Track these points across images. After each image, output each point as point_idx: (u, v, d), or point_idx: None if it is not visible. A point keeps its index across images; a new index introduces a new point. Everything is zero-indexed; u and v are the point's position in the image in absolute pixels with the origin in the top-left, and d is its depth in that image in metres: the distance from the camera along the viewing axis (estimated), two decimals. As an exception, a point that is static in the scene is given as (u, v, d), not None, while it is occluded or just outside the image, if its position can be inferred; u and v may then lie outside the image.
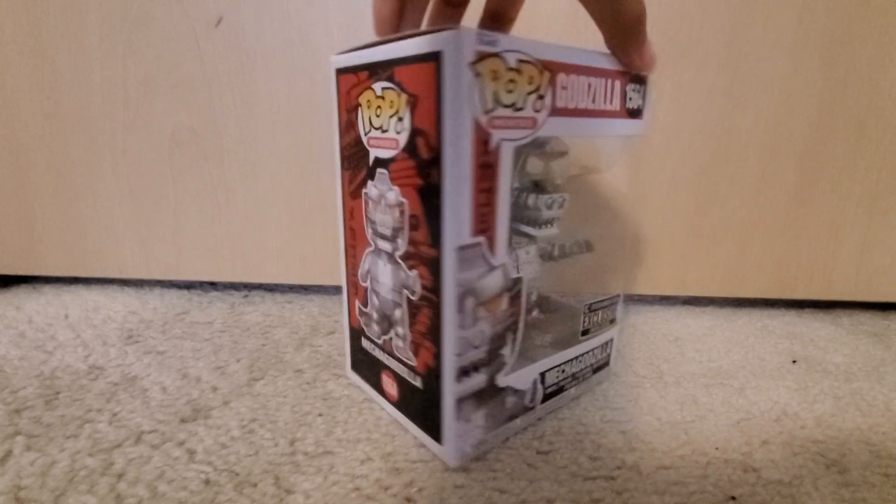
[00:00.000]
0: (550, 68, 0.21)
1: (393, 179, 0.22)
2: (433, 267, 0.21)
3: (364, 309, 0.27)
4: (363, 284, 0.27)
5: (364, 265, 0.26)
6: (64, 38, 0.40)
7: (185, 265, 0.45)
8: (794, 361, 0.36)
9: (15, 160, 0.43)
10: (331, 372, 0.33)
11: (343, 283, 0.29)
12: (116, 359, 0.34)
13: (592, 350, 0.29)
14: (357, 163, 0.25)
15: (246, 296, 0.46)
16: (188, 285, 0.48)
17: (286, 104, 0.40)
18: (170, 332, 0.38)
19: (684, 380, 0.32)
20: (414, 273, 0.22)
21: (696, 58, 0.37)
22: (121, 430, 0.26)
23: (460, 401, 0.22)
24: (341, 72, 0.25)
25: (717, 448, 0.26)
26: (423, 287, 0.22)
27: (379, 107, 0.22)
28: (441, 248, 0.20)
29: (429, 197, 0.21)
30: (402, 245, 0.23)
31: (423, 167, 0.21)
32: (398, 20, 0.24)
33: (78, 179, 0.43)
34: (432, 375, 0.23)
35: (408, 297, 0.23)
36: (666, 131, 0.39)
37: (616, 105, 0.24)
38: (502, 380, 0.24)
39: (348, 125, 0.25)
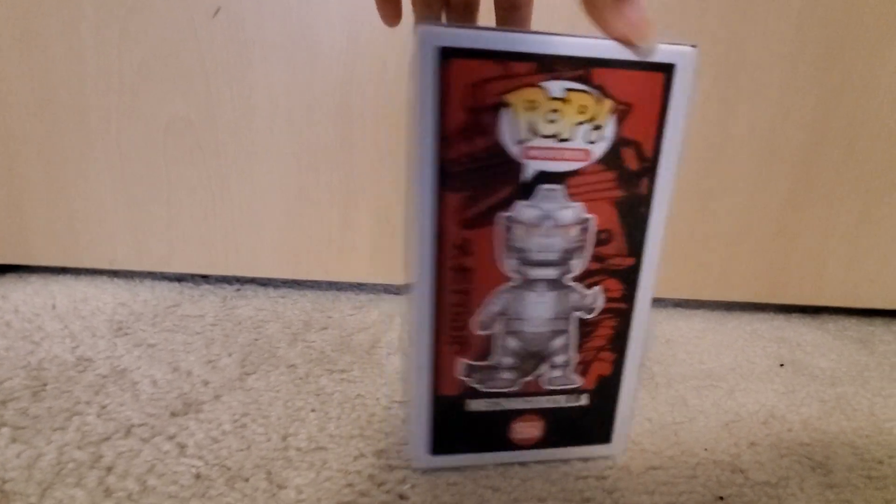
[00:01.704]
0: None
1: (574, 195, 0.20)
2: (627, 276, 0.22)
3: (480, 364, 0.23)
4: (484, 333, 0.22)
5: (492, 307, 0.22)
6: (57, 22, 0.39)
7: (177, 257, 0.44)
8: (781, 365, 0.36)
9: (4, 146, 0.42)
10: (324, 368, 0.32)
11: (421, 350, 0.22)
12: (105, 351, 0.33)
13: None
14: (488, 180, 0.20)
15: (238, 290, 0.46)
16: (179, 278, 0.48)
17: (285, 96, 0.40)
18: (160, 324, 0.38)
19: (675, 381, 0.33)
20: (595, 290, 0.22)
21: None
22: (110, 423, 0.26)
23: None
24: (453, 54, 0.18)
25: (706, 449, 0.26)
26: (610, 299, 0.22)
27: (555, 110, 0.19)
28: (641, 256, 0.22)
29: (631, 208, 0.21)
30: (579, 265, 0.22)
31: (627, 178, 0.20)
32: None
33: (69, 167, 0.42)
34: (606, 384, 0.24)
35: (579, 319, 0.23)
36: (662, 135, 0.39)
37: None
38: None
39: (471, 129, 0.19)
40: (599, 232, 0.21)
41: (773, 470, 0.25)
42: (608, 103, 0.19)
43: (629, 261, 0.22)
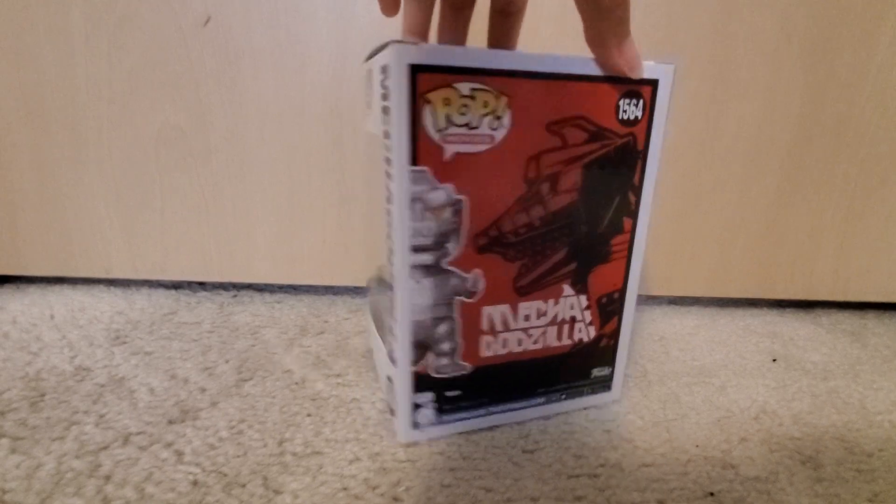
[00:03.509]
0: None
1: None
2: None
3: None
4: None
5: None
6: (48, 32, 0.39)
7: (172, 265, 0.44)
8: (774, 360, 0.36)
9: (-3, 158, 0.42)
10: (320, 372, 0.33)
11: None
12: (103, 360, 0.34)
13: None
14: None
15: (235, 296, 0.46)
16: (176, 285, 0.48)
17: (275, 103, 0.40)
18: (157, 332, 0.38)
19: (668, 378, 0.33)
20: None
21: (681, 64, 0.38)
22: (108, 431, 0.26)
23: None
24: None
25: (697, 446, 0.26)
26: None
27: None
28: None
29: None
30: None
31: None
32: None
33: (62, 177, 0.42)
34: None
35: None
36: (652, 134, 0.40)
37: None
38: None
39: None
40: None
41: (763, 465, 0.25)
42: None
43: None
